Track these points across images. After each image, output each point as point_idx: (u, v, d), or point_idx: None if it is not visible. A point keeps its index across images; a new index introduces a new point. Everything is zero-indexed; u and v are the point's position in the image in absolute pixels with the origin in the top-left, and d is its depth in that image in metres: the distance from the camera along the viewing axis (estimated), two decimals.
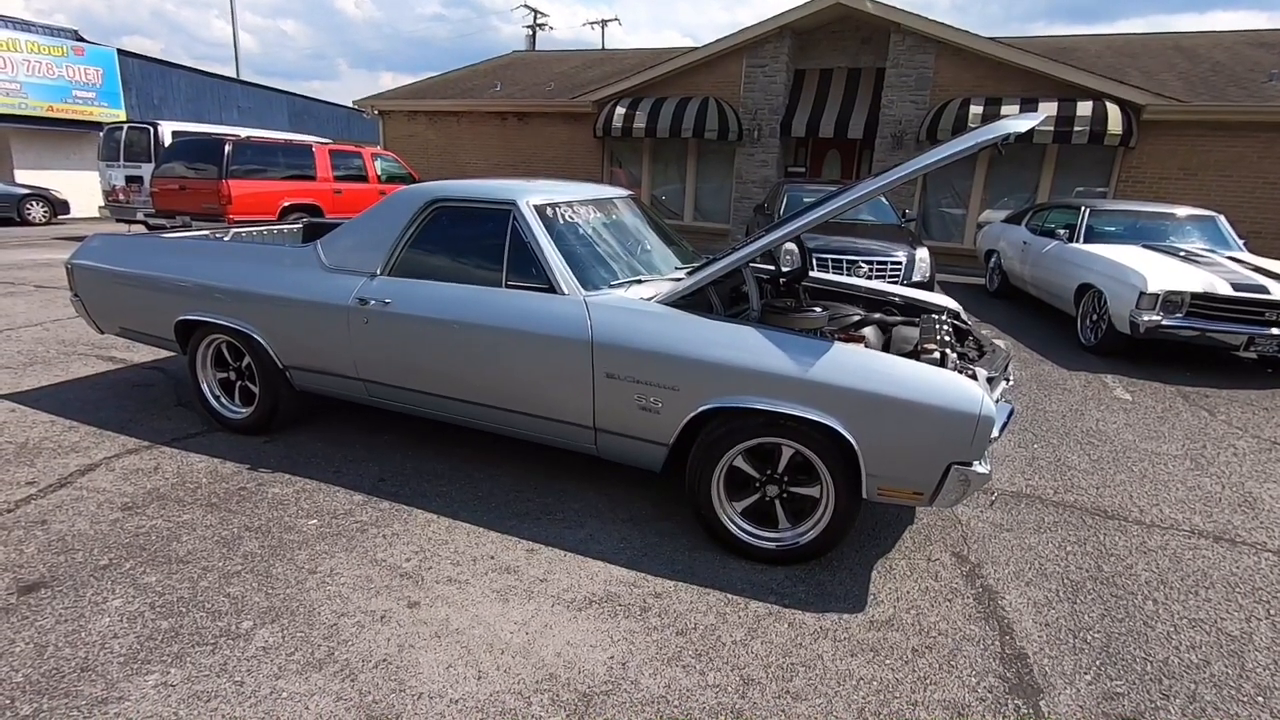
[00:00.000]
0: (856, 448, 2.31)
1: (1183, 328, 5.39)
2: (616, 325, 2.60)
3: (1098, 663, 2.16)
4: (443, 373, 2.97)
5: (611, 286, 2.84)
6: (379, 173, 11.51)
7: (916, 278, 6.79)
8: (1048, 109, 10.37)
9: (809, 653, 2.15)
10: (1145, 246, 6.49)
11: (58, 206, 15.07)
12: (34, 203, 14.71)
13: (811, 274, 3.71)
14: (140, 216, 10.89)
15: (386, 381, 3.12)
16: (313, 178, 10.35)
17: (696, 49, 13.05)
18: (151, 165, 10.76)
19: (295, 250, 3.31)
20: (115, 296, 3.81)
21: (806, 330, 2.60)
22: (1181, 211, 7.05)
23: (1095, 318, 6.19)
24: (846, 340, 2.78)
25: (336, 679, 1.94)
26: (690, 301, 2.72)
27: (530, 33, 32.49)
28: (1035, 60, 10.68)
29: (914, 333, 3.01)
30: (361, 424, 3.81)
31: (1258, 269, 5.77)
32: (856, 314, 3.31)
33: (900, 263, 6.76)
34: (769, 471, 2.56)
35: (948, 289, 8.74)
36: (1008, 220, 8.99)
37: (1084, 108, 10.20)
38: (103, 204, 12.04)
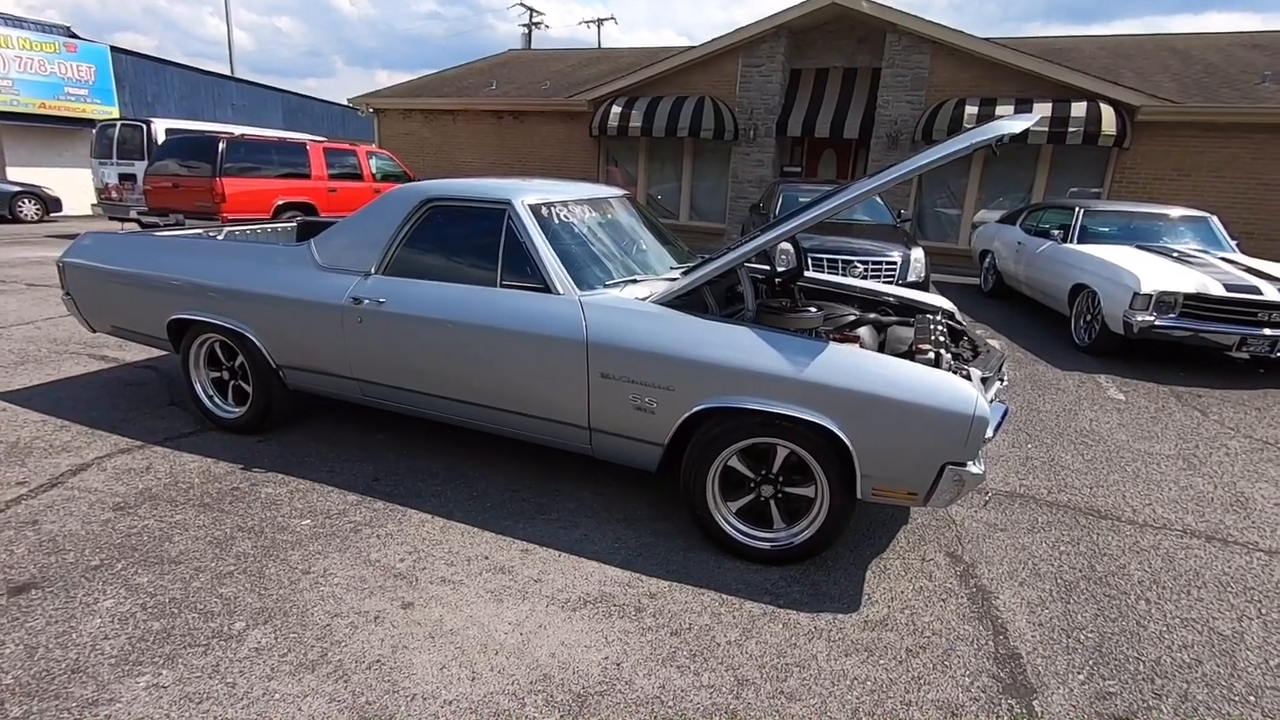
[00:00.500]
0: (851, 448, 2.31)
1: (1176, 328, 5.42)
2: (611, 325, 2.60)
3: (1091, 662, 2.16)
4: (437, 372, 2.96)
5: (606, 286, 2.84)
6: (374, 171, 11.48)
7: (911, 278, 6.80)
8: (1042, 109, 10.41)
9: (803, 653, 2.15)
10: (1139, 247, 6.51)
11: (50, 204, 14.97)
12: (26, 200, 14.61)
13: (806, 274, 3.71)
14: (133, 214, 10.83)
15: (381, 381, 3.11)
16: (307, 176, 10.31)
17: (693, 48, 13.05)
18: (145, 163, 10.69)
19: (289, 249, 3.30)
20: (107, 295, 3.78)
21: (802, 330, 2.60)
22: (1175, 212, 7.08)
23: (1089, 318, 6.21)
24: (841, 340, 2.78)
25: (329, 680, 1.93)
26: (685, 301, 2.71)
27: (526, 31, 32.45)
28: (1030, 61, 10.71)
29: (909, 333, 3.01)
30: (355, 423, 3.79)
31: (1250, 270, 5.80)
32: (851, 314, 3.32)
33: (895, 263, 6.77)
34: (764, 471, 2.56)
35: (942, 289, 8.76)
36: (1002, 220, 9.01)
37: (1079, 108, 10.24)
38: (95, 202, 11.97)
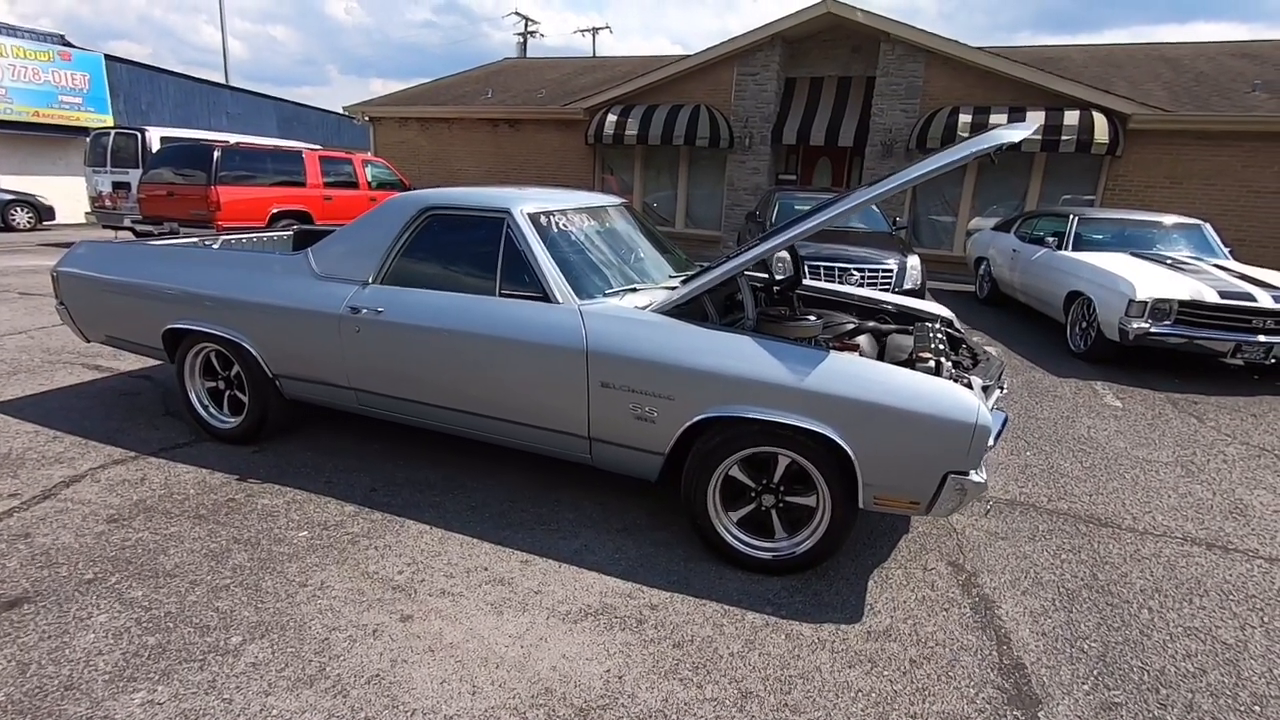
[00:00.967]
0: (853, 457, 2.30)
1: (1171, 335, 5.44)
2: (611, 334, 2.59)
3: (1095, 672, 2.15)
4: (436, 382, 2.94)
5: (606, 295, 2.83)
6: (369, 179, 11.47)
7: (908, 285, 6.82)
8: (1035, 118, 10.48)
9: (807, 664, 2.13)
10: (1133, 254, 6.55)
11: (43, 212, 14.91)
12: (18, 209, 14.54)
13: (804, 282, 3.71)
14: (127, 223, 10.78)
15: (379, 391, 3.09)
16: (302, 184, 10.30)
17: (688, 57, 13.11)
18: (139, 171, 10.66)
19: (286, 258, 3.28)
20: (102, 304, 3.75)
21: (801, 339, 2.59)
22: (1168, 220, 7.13)
23: (1085, 325, 6.24)
24: (841, 349, 2.78)
25: (328, 695, 1.90)
26: (685, 310, 2.71)
27: (522, 40, 32.59)
28: (1024, 70, 10.80)
29: (908, 341, 3.01)
30: (352, 433, 3.77)
31: (1243, 277, 5.83)
32: (850, 322, 3.32)
33: (892, 270, 6.79)
34: (765, 481, 2.55)
35: (937, 296, 8.78)
36: (997, 228, 9.06)
37: (1071, 117, 10.32)
38: (89, 210, 11.93)
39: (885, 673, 2.11)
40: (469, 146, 15.64)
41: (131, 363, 4.91)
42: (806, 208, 8.39)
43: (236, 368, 3.43)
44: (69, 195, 16.09)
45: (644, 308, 2.73)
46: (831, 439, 2.31)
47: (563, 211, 3.09)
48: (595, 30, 34.96)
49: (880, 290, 6.35)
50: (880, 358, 2.97)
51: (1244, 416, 4.81)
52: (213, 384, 3.59)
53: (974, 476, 2.23)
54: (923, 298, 5.70)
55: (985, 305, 8.93)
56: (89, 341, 4.00)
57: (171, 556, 2.54)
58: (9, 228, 14.25)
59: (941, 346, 2.89)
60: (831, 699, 1.99)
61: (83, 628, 2.13)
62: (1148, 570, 2.77)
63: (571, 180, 14.60)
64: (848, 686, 2.04)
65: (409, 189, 12.10)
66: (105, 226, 11.57)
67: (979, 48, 11.22)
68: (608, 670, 2.06)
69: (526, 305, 2.76)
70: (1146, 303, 5.44)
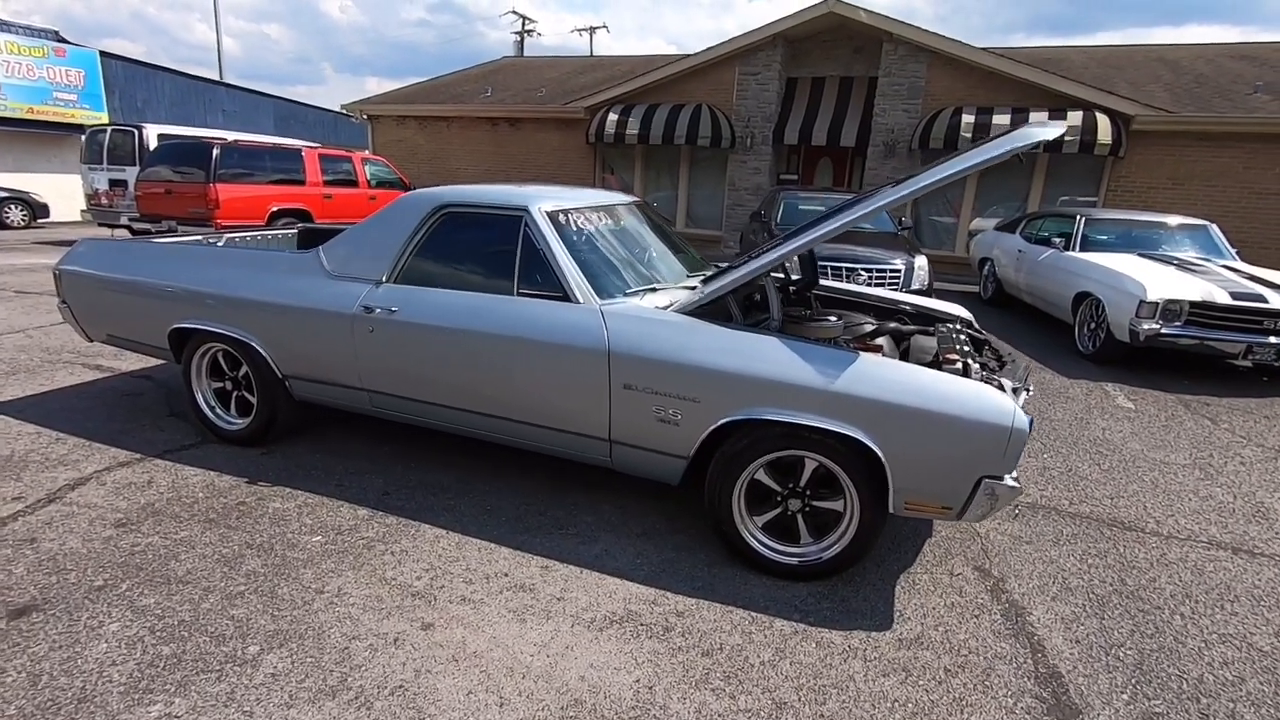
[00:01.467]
0: (885, 462, 2.26)
1: (1182, 336, 5.41)
2: (634, 335, 2.54)
3: (1133, 681, 2.11)
4: (451, 383, 2.88)
5: (626, 295, 2.77)
6: (369, 178, 11.38)
7: (915, 285, 6.79)
8: (1039, 119, 10.46)
9: (840, 673, 2.08)
10: (1141, 255, 6.53)
11: (37, 210, 14.75)
12: (13, 206, 14.39)
13: (821, 282, 3.67)
14: (124, 220, 10.68)
15: (392, 392, 3.03)
16: (302, 182, 10.20)
17: (689, 56, 13.07)
18: (136, 169, 10.55)
19: (297, 256, 3.21)
20: (105, 303, 3.68)
21: (822, 339, 2.55)
22: (1174, 220, 7.11)
23: (1093, 326, 6.21)
24: (863, 350, 2.73)
25: (351, 708, 1.84)
26: (708, 310, 2.65)
27: (519, 39, 32.49)
28: (1027, 70, 10.79)
29: (931, 342, 2.97)
30: (361, 434, 3.70)
31: (1253, 278, 5.81)
32: (868, 323, 3.27)
33: (899, 270, 6.76)
34: (791, 485, 2.50)
35: (942, 296, 8.75)
36: (1002, 229, 9.03)
37: (1074, 117, 10.31)
38: (85, 208, 11.81)
39: (920, 682, 2.06)
40: (468, 145, 15.56)
41: (133, 362, 4.83)
42: (812, 207, 8.37)
43: (245, 368, 3.36)
44: (63, 193, 15.93)
45: (665, 308, 2.68)
46: (863, 443, 2.26)
47: (580, 210, 3.03)
48: (592, 30, 34.95)
49: (889, 290, 6.33)
50: (903, 359, 2.92)
51: (1257, 418, 4.79)
52: (220, 384, 3.52)
53: (1008, 481, 2.18)
54: (928, 298, 5.67)
55: (990, 306, 8.91)
56: (91, 341, 3.92)
57: (183, 562, 2.47)
58: (3, 225, 14.10)
59: (966, 348, 2.85)
60: (868, 710, 1.94)
61: (95, 637, 2.07)
62: (1176, 575, 2.73)
63: (572, 179, 14.53)
64: (883, 696, 1.99)
65: (409, 188, 12.02)
66: (101, 224, 11.45)
67: (982, 48, 11.20)
68: (637, 680, 2.01)
69: (546, 305, 2.71)
70: (1158, 304, 5.41)
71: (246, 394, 3.44)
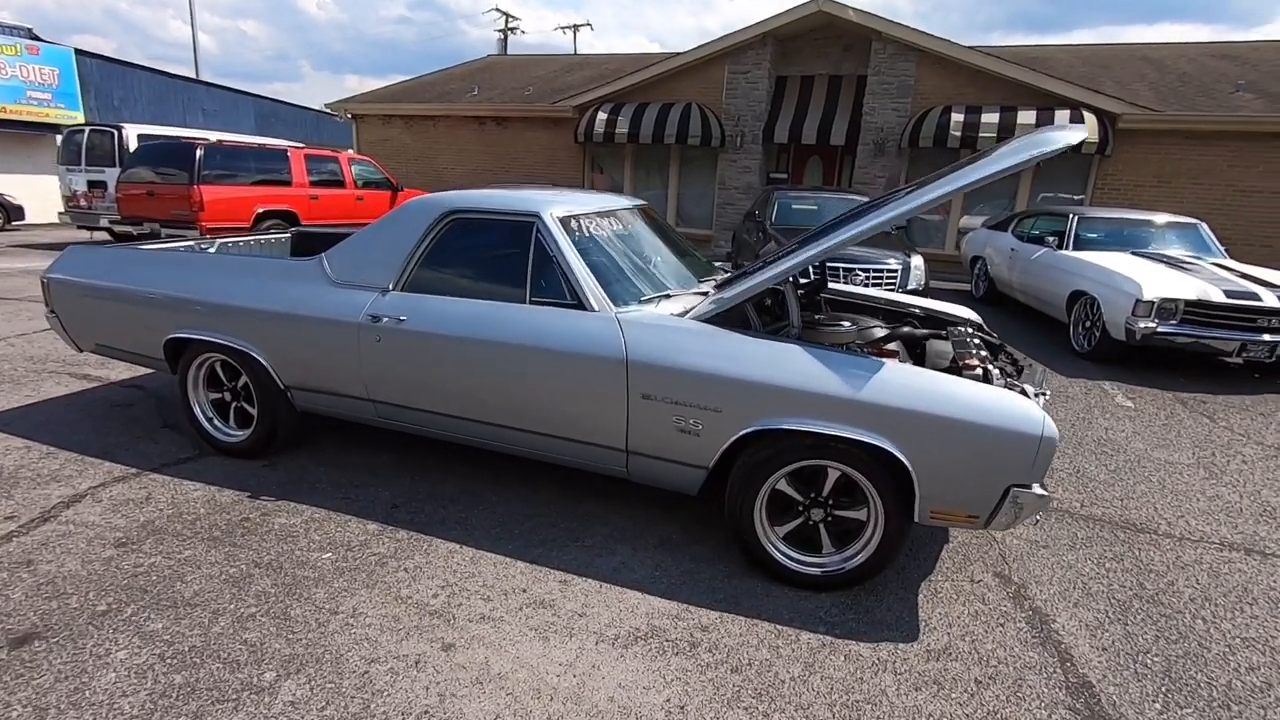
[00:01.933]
0: (912, 471, 2.23)
1: (1178, 334, 5.46)
2: (653, 343, 2.49)
3: (1164, 690, 2.10)
4: (462, 393, 2.81)
5: (641, 302, 2.72)
6: (355, 178, 11.22)
7: (912, 285, 6.80)
8: (1027, 117, 10.54)
9: (871, 688, 2.05)
10: (1134, 253, 6.58)
11: (11, 212, 14.38)
12: None
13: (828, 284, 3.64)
14: (104, 223, 10.44)
15: (400, 403, 2.95)
16: (288, 183, 10.03)
17: (679, 55, 13.02)
18: (116, 170, 10.32)
19: (299, 264, 3.13)
20: (96, 313, 3.56)
21: (835, 345, 2.52)
22: (1165, 219, 7.18)
23: (1088, 324, 6.25)
24: (877, 355, 2.70)
25: None
26: (725, 317, 2.61)
27: (502, 36, 32.26)
28: (1015, 70, 10.86)
29: (947, 347, 2.95)
30: (362, 444, 3.62)
31: (1245, 275, 5.88)
32: (879, 327, 3.24)
33: (896, 270, 6.77)
34: (813, 494, 2.46)
35: (934, 295, 8.79)
36: (994, 227, 9.08)
37: (1062, 116, 10.40)
38: (63, 210, 11.52)
39: (953, 695, 2.04)
40: (455, 145, 15.40)
41: (122, 371, 4.70)
42: (805, 207, 8.36)
43: (244, 379, 3.27)
44: (39, 194, 15.53)
45: (681, 315, 2.63)
46: (890, 452, 2.23)
47: (591, 214, 2.97)
48: (577, 28, 34.79)
49: (886, 290, 6.33)
50: (918, 365, 2.90)
51: (1253, 416, 4.84)
52: (218, 396, 3.43)
53: (1037, 490, 2.16)
54: (938, 301, 5.67)
55: (982, 304, 8.96)
56: (81, 351, 3.80)
57: (189, 584, 2.39)
58: None
59: (983, 352, 2.83)
60: None
61: (102, 666, 1.98)
62: (1193, 578, 2.74)
63: (560, 179, 14.43)
64: (918, 711, 1.97)
65: (396, 188, 11.87)
66: (80, 227, 11.19)
67: (971, 47, 11.26)
68: (668, 700, 1.96)
69: (560, 313, 2.65)
70: (1154, 302, 5.46)
71: (246, 405, 3.35)
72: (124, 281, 3.43)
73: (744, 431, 2.38)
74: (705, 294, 3.05)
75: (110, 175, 10.56)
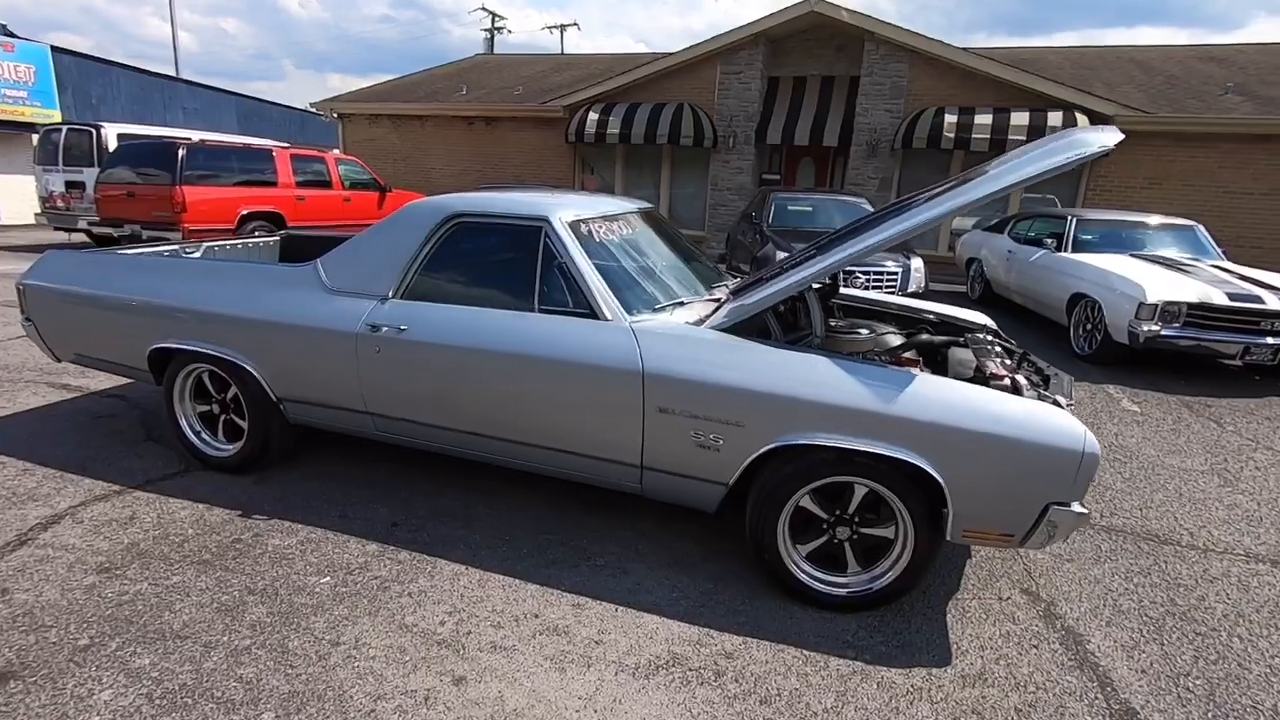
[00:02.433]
0: (945, 489, 2.12)
1: (1181, 338, 5.42)
2: (670, 354, 2.37)
3: (1209, 715, 2.01)
4: (466, 406, 2.68)
5: (655, 310, 2.60)
6: (342, 178, 11.00)
7: (912, 288, 6.75)
8: (1020, 119, 10.53)
9: (908, 719, 1.94)
10: (1133, 256, 6.55)
11: None
12: None
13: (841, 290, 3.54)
14: (82, 225, 10.16)
15: (400, 415, 2.81)
16: (273, 184, 9.80)
17: (671, 54, 12.91)
18: (95, 170, 10.04)
19: (292, 270, 2.98)
20: (76, 321, 3.39)
21: (852, 354, 2.42)
22: (1163, 221, 7.18)
23: (1089, 327, 6.21)
24: (899, 365, 2.60)
25: None
26: (743, 326, 2.49)
27: (489, 36, 32.02)
28: (1008, 71, 10.86)
29: (969, 355, 2.85)
30: (358, 457, 3.47)
31: (1244, 278, 5.86)
32: (894, 334, 3.14)
33: (896, 273, 6.70)
34: (838, 511, 2.35)
35: (930, 297, 8.74)
36: (989, 229, 9.06)
37: (1055, 118, 10.41)
38: (39, 211, 11.21)
39: None
40: (444, 145, 15.20)
41: (102, 380, 4.51)
42: (800, 208, 8.29)
43: (234, 390, 3.11)
44: (12, 194, 15.14)
45: (696, 323, 2.52)
46: (923, 469, 2.12)
47: (601, 218, 2.85)
48: (563, 27, 34.60)
49: (886, 293, 6.25)
50: (938, 374, 2.80)
51: (1259, 420, 4.80)
52: (205, 408, 3.26)
53: (1076, 508, 2.07)
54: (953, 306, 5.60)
55: (978, 306, 8.92)
56: (60, 361, 3.62)
57: (178, 613, 2.23)
58: None
59: (1008, 361, 2.74)
60: None
61: (84, 709, 1.83)
62: (1223, 592, 2.66)
63: (550, 179, 14.28)
64: None
65: (384, 189, 11.67)
66: (57, 228, 10.89)
67: (964, 48, 11.25)
68: None
69: (570, 322, 2.52)
70: (1156, 305, 5.42)
71: (236, 418, 3.19)
72: (105, 288, 3.26)
73: (768, 447, 2.26)
74: (717, 301, 2.94)
75: (89, 175, 10.28)
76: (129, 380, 4.41)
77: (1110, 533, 3.10)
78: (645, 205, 3.48)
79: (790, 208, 8.26)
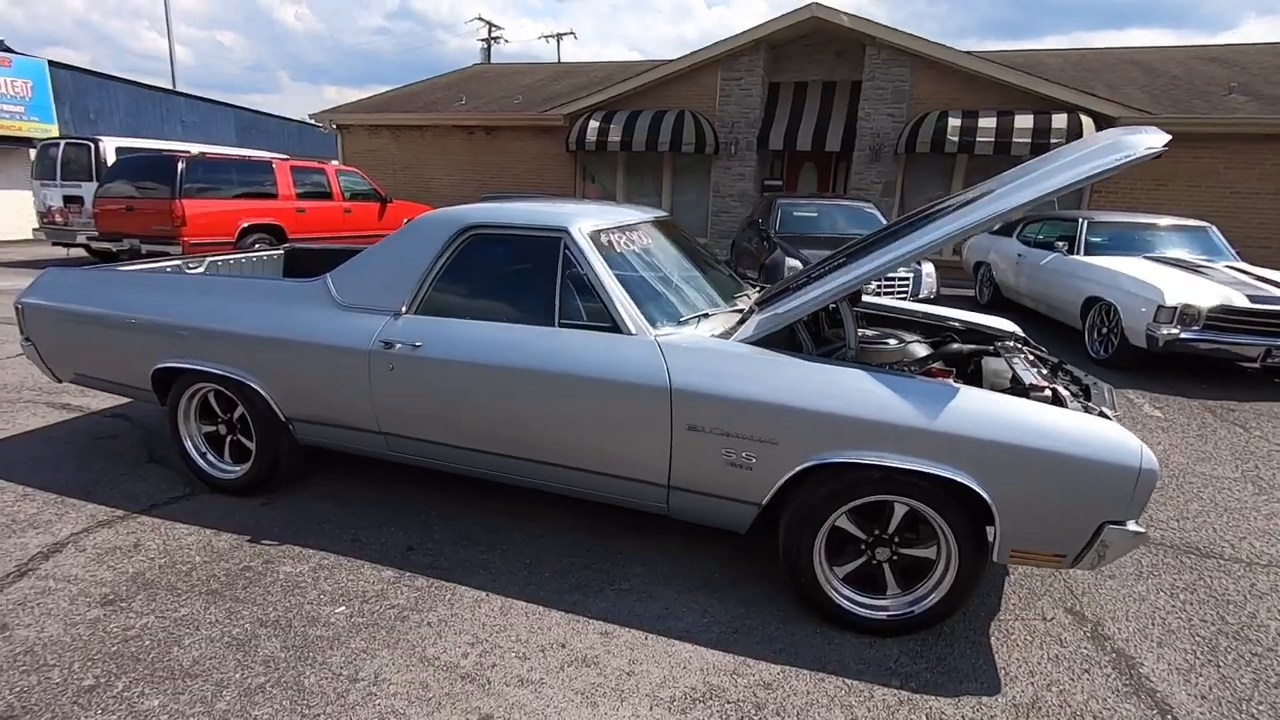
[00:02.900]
0: (994, 508, 2.02)
1: (1201, 341, 5.34)
2: (698, 369, 2.27)
3: None
4: (484, 425, 2.58)
5: (680, 324, 2.51)
6: (343, 190, 10.92)
7: (924, 293, 6.66)
8: (1024, 121, 10.48)
9: None
10: (1147, 258, 6.47)
11: None
12: None
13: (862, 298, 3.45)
14: (81, 239, 10.06)
15: (415, 435, 2.71)
16: (274, 196, 9.72)
17: (671, 61, 12.87)
18: (93, 184, 9.96)
19: (300, 285, 2.88)
20: (76, 341, 3.29)
21: (882, 365, 2.32)
22: (1175, 222, 7.10)
23: (1105, 331, 6.13)
24: (931, 375, 2.50)
25: None
26: (773, 338, 2.40)
27: (486, 46, 32.06)
28: (1010, 74, 10.82)
29: (1003, 365, 2.75)
30: (368, 477, 3.36)
31: (1262, 279, 5.78)
32: (920, 342, 3.04)
33: (907, 279, 6.62)
34: (876, 531, 2.25)
35: (940, 302, 8.65)
36: (996, 232, 8.98)
37: (1059, 120, 10.35)
38: (37, 226, 11.12)
39: None
40: (444, 155, 15.14)
41: (102, 400, 4.40)
42: (806, 214, 8.21)
43: (241, 410, 3.01)
44: (10, 209, 15.04)
45: (723, 335, 2.42)
46: (969, 488, 2.02)
47: (619, 228, 2.76)
48: (560, 36, 34.64)
49: (898, 299, 6.16)
50: (971, 385, 2.71)
51: None
52: (211, 428, 3.16)
53: (1132, 527, 1.97)
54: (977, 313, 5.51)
55: (988, 310, 8.83)
56: (60, 381, 3.52)
57: (188, 649, 2.13)
58: None
59: (1043, 371, 2.64)
60: None
61: None
62: (1273, 609, 2.56)
63: (551, 188, 14.21)
64: None
65: (385, 199, 11.59)
66: (56, 243, 10.79)
67: (966, 52, 11.21)
68: None
69: (593, 337, 2.43)
70: (1176, 308, 5.33)
71: (243, 438, 3.09)
72: (107, 307, 3.16)
73: (804, 465, 2.16)
74: (740, 312, 2.84)
75: (87, 190, 10.19)
76: (130, 400, 4.31)
77: (1150, 546, 2.99)
78: (661, 214, 3.38)
79: (796, 214, 8.18)
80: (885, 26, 11.30)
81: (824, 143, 11.94)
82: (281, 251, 4.52)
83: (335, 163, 13.39)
